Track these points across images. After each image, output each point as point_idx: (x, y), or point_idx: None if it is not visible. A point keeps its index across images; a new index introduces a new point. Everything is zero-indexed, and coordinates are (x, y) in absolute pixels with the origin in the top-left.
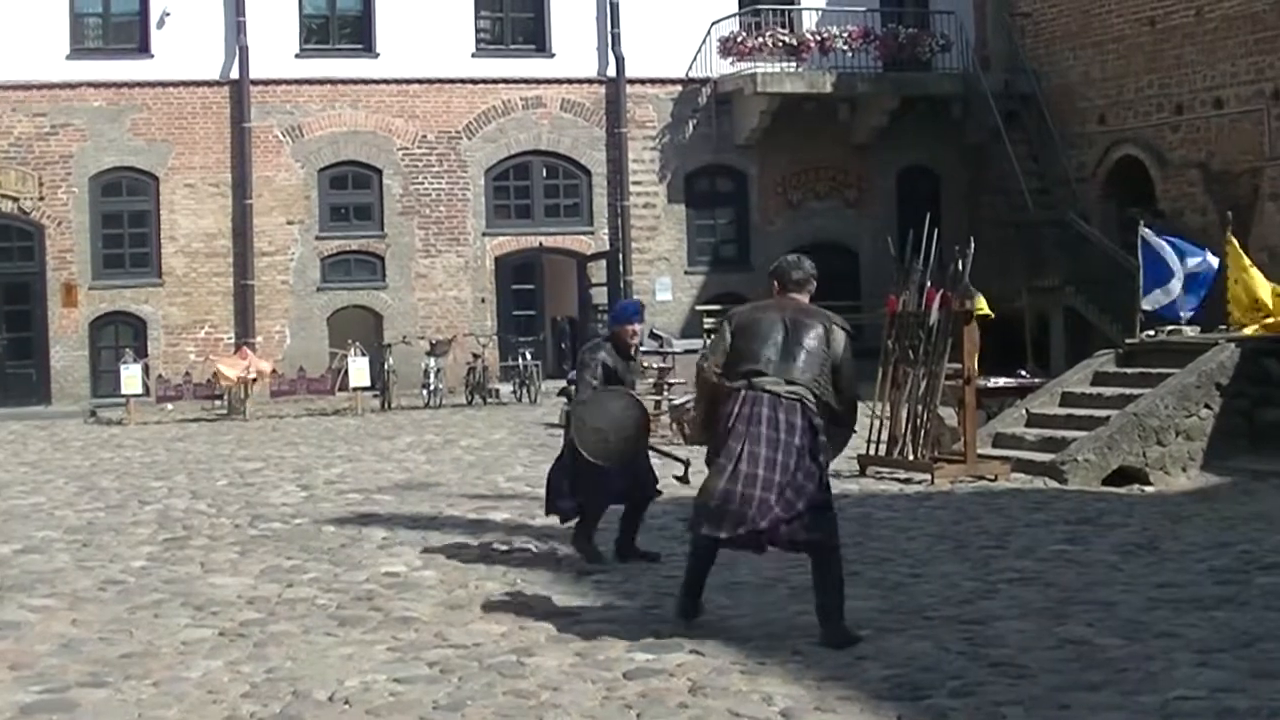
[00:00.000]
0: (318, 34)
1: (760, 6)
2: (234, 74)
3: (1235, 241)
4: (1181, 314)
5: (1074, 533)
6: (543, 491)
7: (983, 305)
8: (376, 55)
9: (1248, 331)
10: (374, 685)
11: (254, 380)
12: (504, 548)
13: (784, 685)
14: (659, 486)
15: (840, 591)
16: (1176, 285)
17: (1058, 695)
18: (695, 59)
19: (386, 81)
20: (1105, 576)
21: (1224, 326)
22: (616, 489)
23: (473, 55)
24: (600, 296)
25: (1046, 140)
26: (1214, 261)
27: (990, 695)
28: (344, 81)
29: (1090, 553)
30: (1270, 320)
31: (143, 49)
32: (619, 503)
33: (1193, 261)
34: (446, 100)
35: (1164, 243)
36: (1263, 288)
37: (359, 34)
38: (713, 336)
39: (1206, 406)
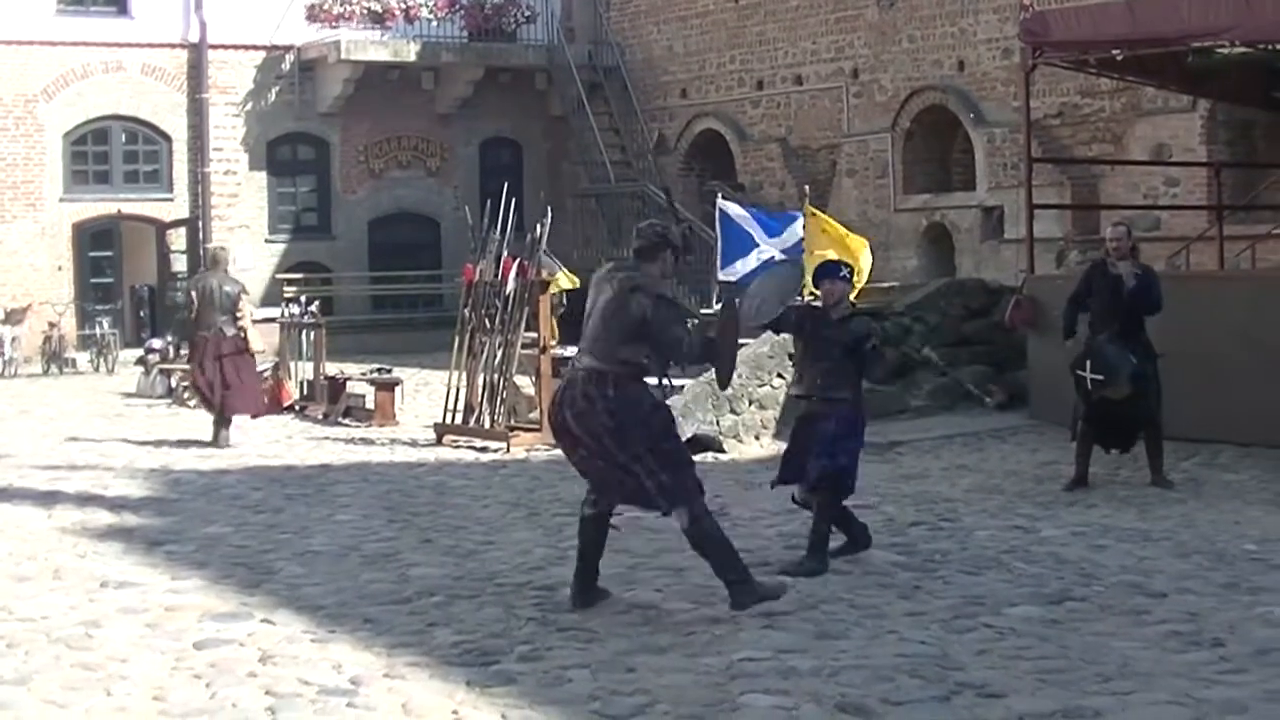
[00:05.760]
0: None
1: None
2: None
3: (818, 213)
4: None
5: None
6: (115, 462)
7: (562, 281)
8: None
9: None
10: None
11: None
12: (76, 517)
13: (354, 652)
14: None
15: None
16: (756, 257)
17: (625, 659)
18: (280, 25)
19: None
20: (675, 543)
21: (801, 298)
22: None
23: (56, 14)
24: (180, 264)
25: (629, 113)
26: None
27: (558, 659)
28: None
29: (663, 519)
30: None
31: None
32: None
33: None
34: (24, 61)
35: (749, 214)
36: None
37: None
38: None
39: (779, 376)
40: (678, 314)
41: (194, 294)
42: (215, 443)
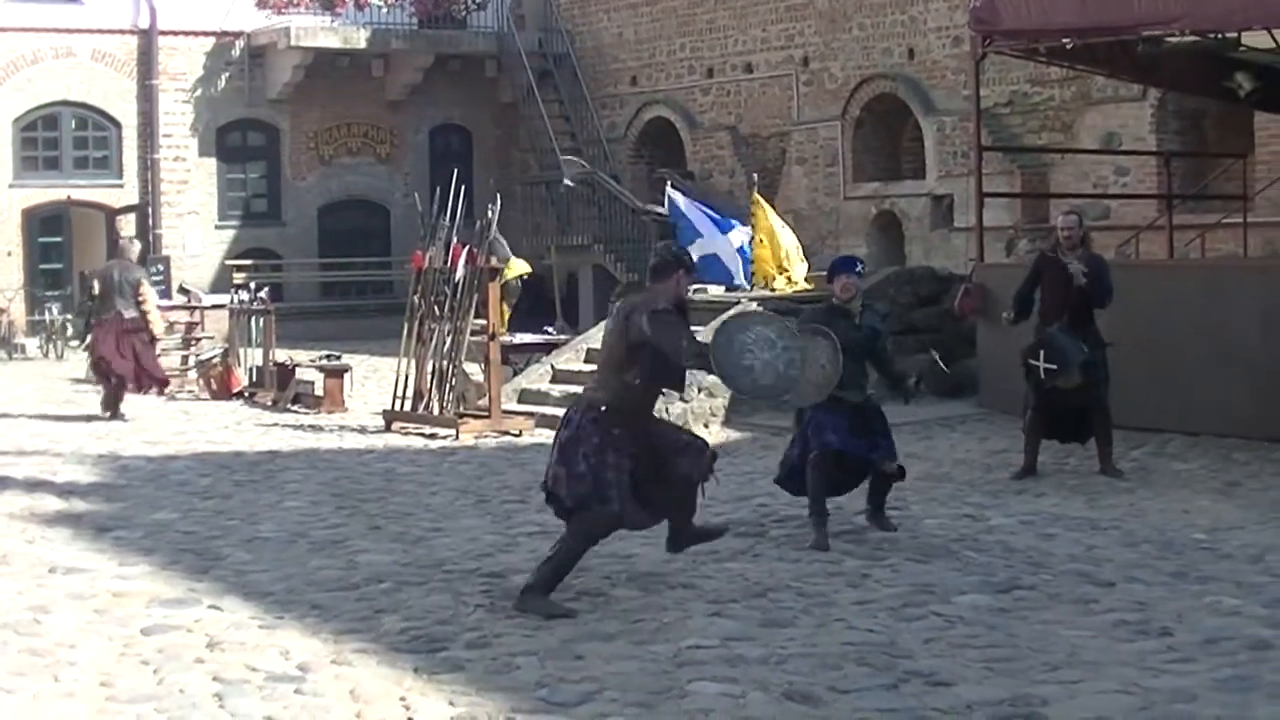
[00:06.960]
0: None
1: None
2: None
3: (763, 202)
4: (739, 281)
5: None
6: (64, 448)
7: (518, 266)
8: None
9: (777, 290)
10: None
11: None
12: (25, 503)
13: (302, 639)
14: None
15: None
16: (700, 247)
17: (573, 646)
18: (230, 11)
19: None
20: (623, 530)
21: (749, 286)
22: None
23: (5, 0)
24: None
25: (579, 100)
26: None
27: (506, 646)
28: None
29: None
30: (791, 280)
31: None
32: None
33: (742, 233)
34: None
35: (695, 207)
36: (785, 247)
37: None
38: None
39: None
40: (674, 321)
41: (96, 282)
42: (112, 416)
